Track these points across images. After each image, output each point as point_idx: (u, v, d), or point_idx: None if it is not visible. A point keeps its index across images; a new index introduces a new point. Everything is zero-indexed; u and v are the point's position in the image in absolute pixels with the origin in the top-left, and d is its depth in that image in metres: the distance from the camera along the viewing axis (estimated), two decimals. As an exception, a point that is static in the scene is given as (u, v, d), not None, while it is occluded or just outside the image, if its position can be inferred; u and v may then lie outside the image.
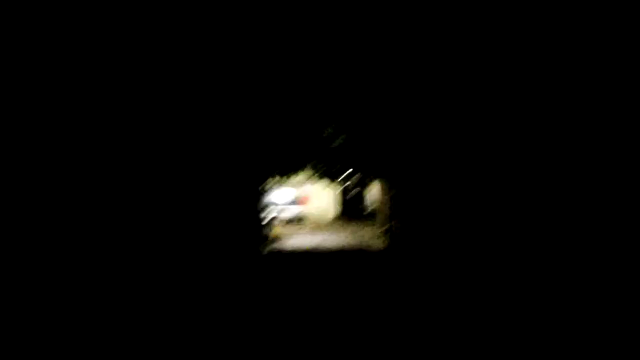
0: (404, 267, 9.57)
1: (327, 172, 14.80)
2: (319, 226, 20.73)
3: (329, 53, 7.50)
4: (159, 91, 5.33)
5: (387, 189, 13.83)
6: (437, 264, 8.45)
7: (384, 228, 15.30)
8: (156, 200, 5.61)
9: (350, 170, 15.27)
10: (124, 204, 4.79)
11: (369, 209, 24.70)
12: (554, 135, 5.01)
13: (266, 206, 20.86)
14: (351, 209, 24.44)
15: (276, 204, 22.29)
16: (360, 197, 25.05)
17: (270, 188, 19.21)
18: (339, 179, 15.81)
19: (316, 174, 14.90)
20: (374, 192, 24.69)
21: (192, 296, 6.57)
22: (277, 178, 13.58)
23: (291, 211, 22.49)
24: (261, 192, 13.55)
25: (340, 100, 10.13)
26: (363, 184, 23.17)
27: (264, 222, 16.35)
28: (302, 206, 23.09)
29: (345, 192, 24.47)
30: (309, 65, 7.79)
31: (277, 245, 13.97)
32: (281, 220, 22.14)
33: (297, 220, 22.27)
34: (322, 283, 8.45)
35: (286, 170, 13.55)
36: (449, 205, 8.32)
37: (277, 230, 19.40)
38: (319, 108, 10.56)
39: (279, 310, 6.40)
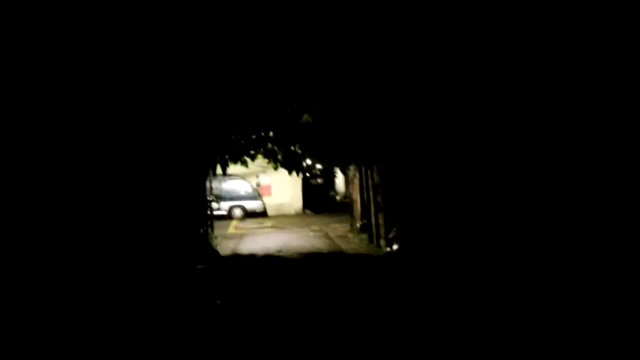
0: (401, 279, 7.20)
1: (289, 157, 12.08)
2: (282, 221, 18.20)
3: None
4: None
5: (368, 178, 11.40)
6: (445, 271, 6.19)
7: (360, 223, 12.97)
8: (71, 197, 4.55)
9: (316, 156, 12.79)
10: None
11: (337, 201, 22.38)
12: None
13: (218, 199, 18.33)
14: (317, 202, 21.93)
15: (231, 197, 19.55)
16: (326, 188, 22.70)
17: (223, 178, 16.43)
18: (304, 167, 13.20)
19: (276, 160, 12.16)
20: (341, 183, 22.43)
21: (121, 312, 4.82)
22: (229, 165, 10.87)
23: (250, 204, 19.75)
24: (207, 183, 10.83)
25: (307, 67, 7.75)
26: (330, 173, 20.58)
27: (213, 219, 13.62)
28: (262, 198, 20.38)
29: (309, 182, 21.97)
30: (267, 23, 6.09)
31: (231, 247, 11.34)
32: (238, 215, 19.39)
33: (256, 215, 19.56)
34: (292, 305, 5.92)
35: (238, 154, 10.87)
36: (451, 197, 6.23)
37: (233, 227, 16.78)
38: (281, 78, 8.11)
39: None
